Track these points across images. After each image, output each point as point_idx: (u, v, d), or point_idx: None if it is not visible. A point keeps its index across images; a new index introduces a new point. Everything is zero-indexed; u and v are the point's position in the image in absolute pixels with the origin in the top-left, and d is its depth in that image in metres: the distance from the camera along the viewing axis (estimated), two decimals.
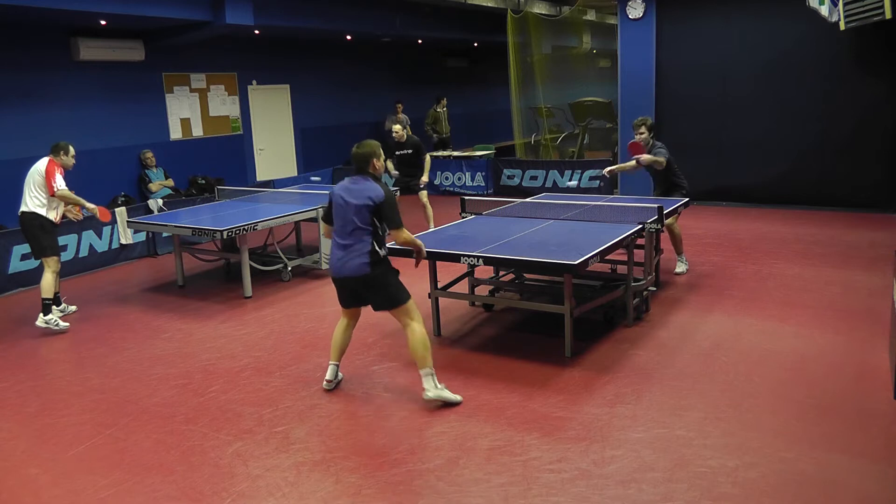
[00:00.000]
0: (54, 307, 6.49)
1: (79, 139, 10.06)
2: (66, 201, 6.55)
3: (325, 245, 7.63)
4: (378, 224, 4.42)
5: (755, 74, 10.26)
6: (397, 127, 9.78)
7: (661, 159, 6.93)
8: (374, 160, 4.45)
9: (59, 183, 6.32)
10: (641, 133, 7.11)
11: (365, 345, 5.63)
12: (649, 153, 6.99)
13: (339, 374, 4.90)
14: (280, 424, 4.37)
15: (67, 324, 6.42)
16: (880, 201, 9.72)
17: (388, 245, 4.64)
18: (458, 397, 4.55)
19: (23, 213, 6.41)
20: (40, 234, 6.44)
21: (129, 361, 5.57)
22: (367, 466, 3.84)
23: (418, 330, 4.50)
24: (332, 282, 4.64)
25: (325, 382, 4.80)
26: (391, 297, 4.50)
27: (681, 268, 7.31)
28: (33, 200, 6.37)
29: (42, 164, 6.36)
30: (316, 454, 3.99)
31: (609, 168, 7.53)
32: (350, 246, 4.40)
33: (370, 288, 4.50)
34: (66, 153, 6.46)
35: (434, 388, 4.48)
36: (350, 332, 4.83)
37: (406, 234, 4.49)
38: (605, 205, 6.81)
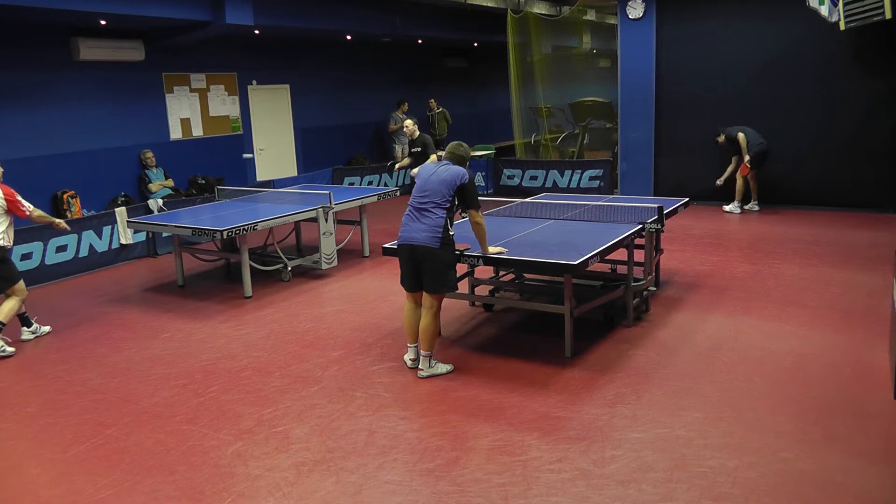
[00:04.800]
0: (25, 328, 6.16)
1: (79, 139, 10.13)
2: (42, 221, 6.23)
3: (325, 245, 7.64)
4: (454, 203, 4.83)
5: (755, 74, 10.26)
6: (409, 123, 9.31)
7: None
8: (466, 162, 5.06)
9: (28, 204, 5.93)
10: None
11: (365, 345, 5.64)
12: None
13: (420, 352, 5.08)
14: (280, 424, 4.37)
15: (14, 349, 5.86)
16: (880, 201, 9.73)
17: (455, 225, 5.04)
18: (449, 367, 5.04)
19: None
20: (3, 266, 5.91)
21: (129, 361, 5.57)
22: (367, 466, 3.84)
23: (434, 319, 4.90)
24: (397, 251, 4.95)
25: (409, 362, 5.12)
26: (440, 282, 4.82)
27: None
28: None
29: None
30: (316, 454, 3.99)
31: None
32: (424, 217, 4.78)
33: (430, 263, 4.77)
34: None
35: (428, 369, 4.96)
36: (419, 311, 5.01)
37: (481, 216, 4.92)
38: (605, 205, 6.81)
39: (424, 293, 4.90)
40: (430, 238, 4.73)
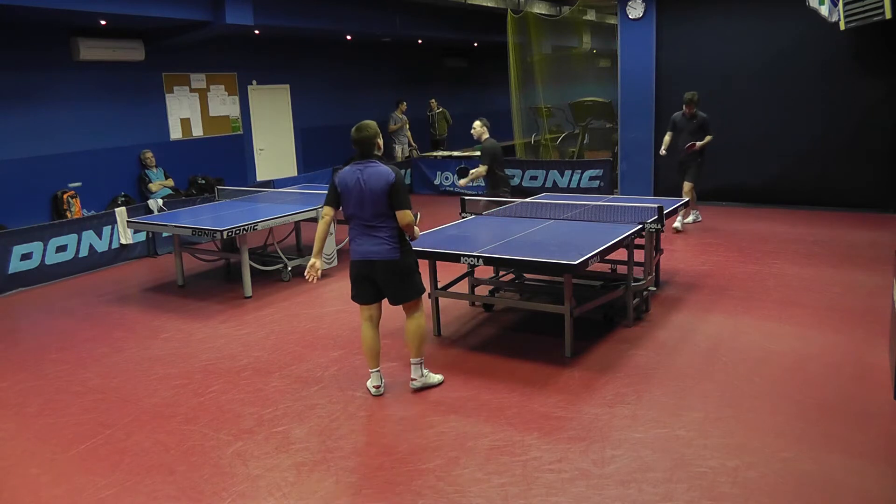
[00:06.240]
0: None
1: (79, 139, 10.13)
2: None
3: (327, 245, 7.63)
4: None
5: (755, 74, 10.26)
6: (478, 124, 7.59)
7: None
8: (378, 140, 4.49)
9: None
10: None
11: None
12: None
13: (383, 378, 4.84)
14: (280, 424, 4.37)
15: None
16: (880, 201, 9.73)
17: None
18: (439, 377, 4.85)
19: None
20: None
21: (129, 361, 5.57)
22: (367, 466, 3.84)
23: (420, 321, 4.69)
24: (350, 268, 4.59)
25: (373, 389, 4.72)
26: (410, 289, 4.58)
27: None
28: None
29: None
30: (316, 454, 3.99)
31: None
32: (376, 231, 4.44)
33: (394, 275, 4.49)
34: None
35: (420, 378, 4.76)
36: (377, 333, 4.71)
37: (411, 216, 4.47)
38: (605, 205, 6.81)
39: (402, 306, 4.65)
40: (390, 251, 4.44)
